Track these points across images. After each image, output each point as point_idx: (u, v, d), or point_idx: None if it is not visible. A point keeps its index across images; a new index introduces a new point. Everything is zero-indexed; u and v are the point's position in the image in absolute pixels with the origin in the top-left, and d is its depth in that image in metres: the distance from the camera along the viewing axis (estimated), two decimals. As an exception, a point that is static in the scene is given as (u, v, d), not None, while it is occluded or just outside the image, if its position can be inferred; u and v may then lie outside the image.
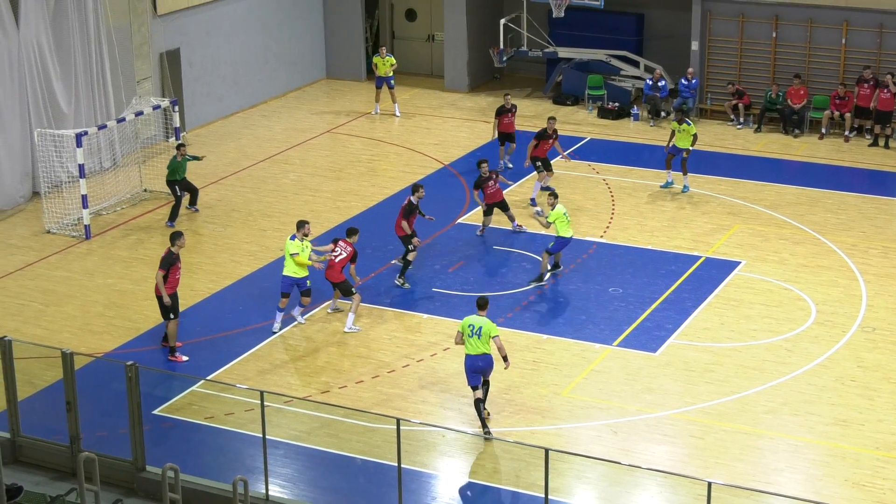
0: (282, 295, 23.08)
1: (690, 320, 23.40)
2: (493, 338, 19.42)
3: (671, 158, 29.60)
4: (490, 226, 27.16)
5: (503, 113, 30.95)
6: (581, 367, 21.77)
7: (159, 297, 21.81)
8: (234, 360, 22.10)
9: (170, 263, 21.79)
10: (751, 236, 26.99)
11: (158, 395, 20.55)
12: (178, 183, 27.88)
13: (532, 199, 28.92)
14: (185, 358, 22.02)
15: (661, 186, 29.84)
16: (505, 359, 19.47)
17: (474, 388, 19.56)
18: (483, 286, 24.79)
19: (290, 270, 22.92)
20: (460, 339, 19.74)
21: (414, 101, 37.26)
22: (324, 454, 19.29)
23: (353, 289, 23.18)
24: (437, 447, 19.67)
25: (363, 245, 24.84)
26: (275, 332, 23.03)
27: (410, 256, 24.79)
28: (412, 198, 24.88)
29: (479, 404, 19.53)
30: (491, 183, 26.54)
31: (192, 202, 28.64)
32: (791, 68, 34.26)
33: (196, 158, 28.57)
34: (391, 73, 35.42)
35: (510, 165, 31.19)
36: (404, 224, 24.59)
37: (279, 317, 23.19)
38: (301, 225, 23.18)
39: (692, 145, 29.33)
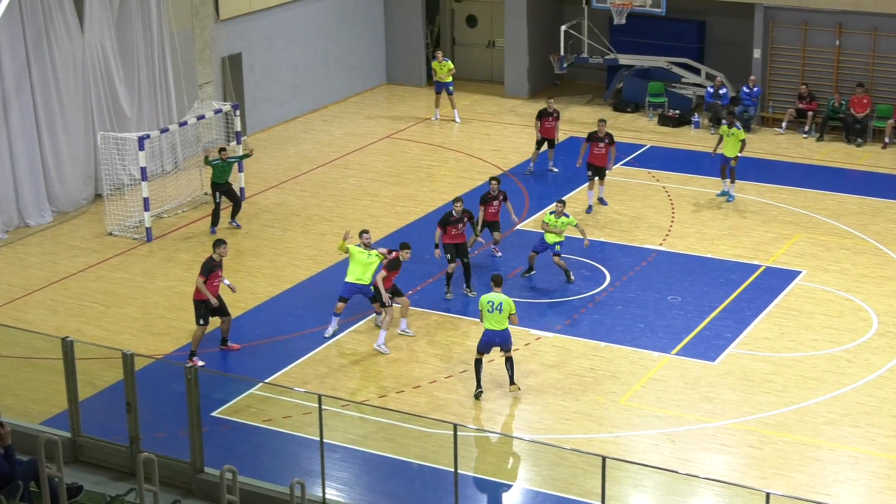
0: (339, 299, 23.15)
1: (750, 330, 23.25)
2: (511, 314, 20.63)
3: (724, 168, 29.42)
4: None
5: (544, 116, 30.92)
6: (639, 375, 21.68)
7: (198, 301, 21.94)
8: (293, 364, 22.19)
9: (209, 270, 21.94)
10: (812, 246, 26.78)
11: (217, 397, 20.66)
12: (220, 187, 27.92)
13: (589, 207, 28.81)
14: (201, 363, 21.97)
15: (718, 195, 29.67)
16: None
17: (481, 353, 20.94)
18: (542, 293, 24.78)
19: (354, 277, 22.95)
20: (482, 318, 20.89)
21: (473, 107, 37.28)
22: (380, 458, 19.32)
23: (386, 302, 22.86)
24: (493, 453, 19.66)
25: (420, 250, 24.92)
26: (327, 337, 23.09)
27: (450, 269, 24.66)
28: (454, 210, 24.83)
29: (478, 365, 20.91)
30: (496, 203, 25.83)
31: (233, 215, 28.43)
32: (854, 77, 33.98)
33: (244, 157, 28.60)
34: (450, 79, 35.45)
35: (555, 169, 31.22)
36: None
37: (334, 321, 23.24)
38: (361, 234, 23.24)
39: (740, 152, 29.13)
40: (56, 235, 28.13)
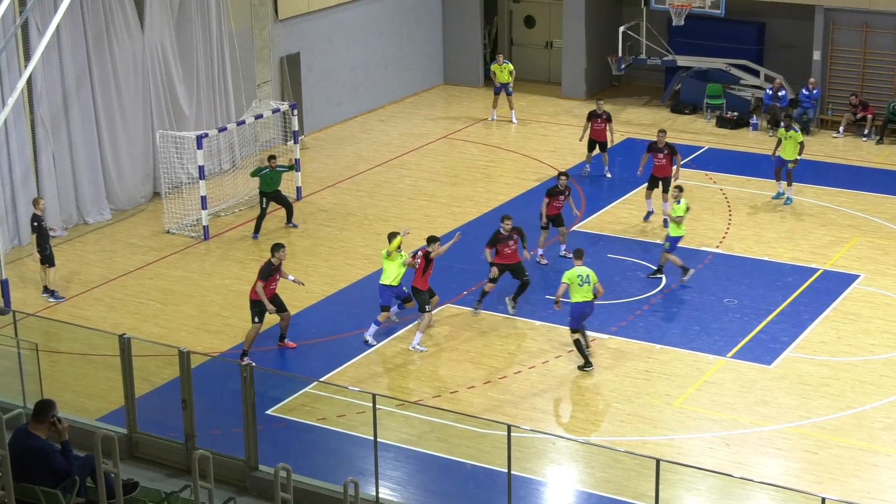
0: (382, 308, 23.13)
1: (807, 333, 23.09)
2: (596, 284, 21.63)
3: (780, 170, 29.23)
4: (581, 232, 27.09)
5: (593, 118, 30.79)
6: (694, 377, 21.59)
7: (254, 301, 22.06)
8: (348, 363, 22.27)
9: (268, 274, 22.01)
10: (870, 249, 26.55)
11: (272, 395, 20.75)
12: (269, 195, 27.98)
13: (648, 214, 28.60)
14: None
15: (774, 197, 29.49)
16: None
17: (574, 331, 21.70)
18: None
19: (391, 279, 22.90)
20: (563, 291, 21.78)
21: (531, 107, 37.25)
22: (434, 458, 19.34)
23: (426, 306, 22.88)
24: (546, 454, 19.64)
25: (471, 256, 24.95)
26: (368, 343, 23.01)
27: (487, 287, 24.22)
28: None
29: (578, 344, 21.76)
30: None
31: (289, 218, 28.52)
32: (915, 79, 33.70)
33: (289, 168, 28.56)
34: (509, 80, 35.45)
35: (608, 175, 31.08)
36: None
37: (372, 329, 23.14)
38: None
39: (799, 154, 28.93)
40: (114, 233, 28.37)
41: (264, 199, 27.90)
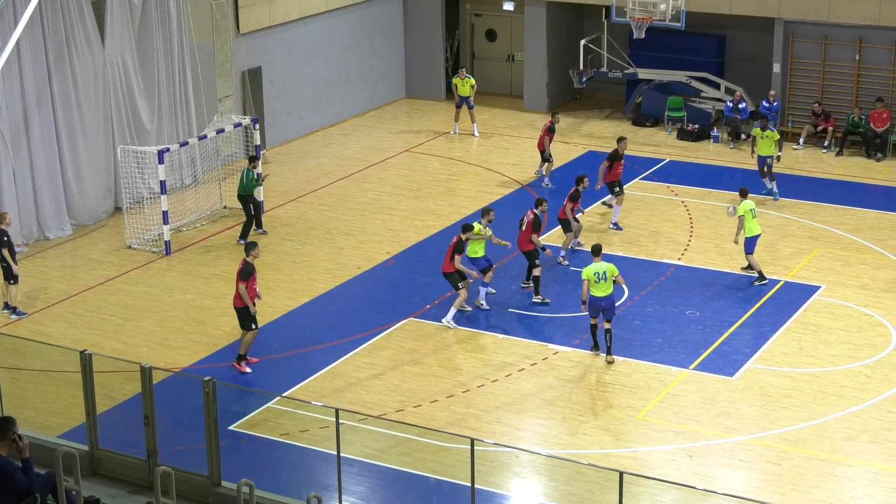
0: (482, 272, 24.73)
1: (768, 345, 23.21)
2: (616, 277, 22.44)
3: (763, 168, 30.11)
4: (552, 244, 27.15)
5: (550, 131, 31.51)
6: (657, 390, 21.66)
7: (240, 309, 22.05)
8: (310, 378, 22.23)
9: (248, 274, 22.06)
10: (831, 260, 26.73)
11: (235, 410, 20.71)
12: (251, 199, 28.07)
13: (614, 223, 28.80)
14: (248, 370, 22.23)
15: (763, 193, 30.13)
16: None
17: (593, 317, 22.62)
18: (560, 307, 24.77)
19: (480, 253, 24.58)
20: (586, 289, 22.41)
21: (493, 120, 37.34)
22: (397, 473, 19.32)
23: (458, 284, 23.90)
24: (510, 468, 19.65)
25: (432, 267, 24.98)
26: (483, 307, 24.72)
27: (536, 272, 25.01)
28: (536, 211, 25.29)
29: (594, 329, 22.68)
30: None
31: (258, 224, 28.64)
32: (874, 91, 33.95)
33: (258, 179, 28.53)
34: (471, 94, 35.54)
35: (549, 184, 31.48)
36: (534, 237, 25.07)
37: (483, 292, 24.78)
38: (486, 212, 24.94)
39: (780, 151, 29.98)
40: (75, 248, 28.25)
41: (251, 205, 28.07)
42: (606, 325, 22.40)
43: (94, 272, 26.87)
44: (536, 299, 25.02)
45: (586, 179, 26.99)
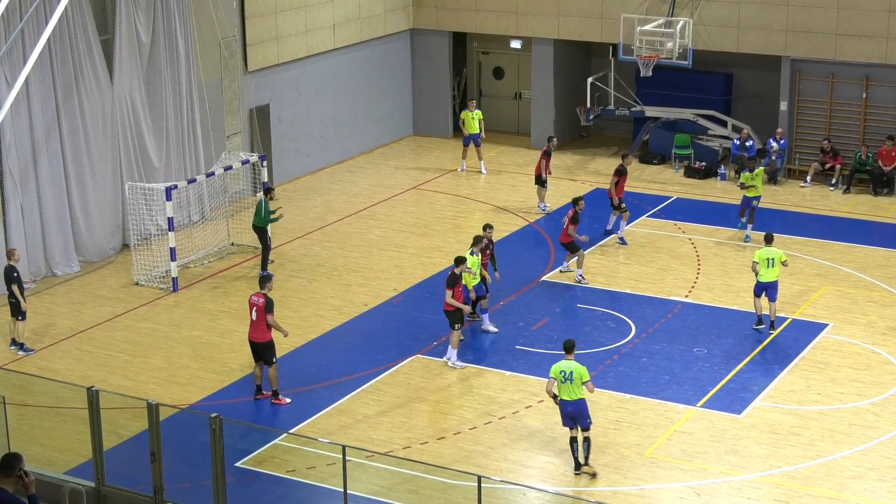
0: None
1: (776, 382, 23.18)
2: (584, 383, 19.76)
3: (745, 210, 30.57)
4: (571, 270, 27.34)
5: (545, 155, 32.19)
6: (664, 427, 21.62)
7: (266, 343, 22.36)
8: (317, 414, 22.22)
9: (272, 305, 22.39)
10: (839, 298, 26.71)
11: (241, 447, 20.69)
12: (260, 230, 28.18)
13: (621, 239, 29.76)
14: (287, 400, 22.39)
15: (746, 240, 30.32)
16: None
17: (569, 428, 20.13)
18: (566, 344, 24.76)
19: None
20: (551, 387, 19.99)
21: (500, 158, 37.42)
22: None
23: (455, 324, 23.99)
24: (517, 505, 19.63)
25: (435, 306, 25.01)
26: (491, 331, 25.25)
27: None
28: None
29: (573, 443, 20.11)
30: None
31: (263, 266, 28.55)
32: (882, 129, 34.01)
33: (274, 214, 28.51)
34: (479, 130, 35.64)
35: (547, 207, 32.29)
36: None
37: (486, 318, 25.31)
38: (478, 240, 25.20)
39: (760, 192, 30.52)
40: (83, 285, 28.30)
41: (267, 235, 28.30)
42: (584, 434, 20.01)
43: (101, 308, 26.90)
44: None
45: (582, 202, 27.56)
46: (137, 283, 28.13)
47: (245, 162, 30.44)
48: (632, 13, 35.25)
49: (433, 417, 22.07)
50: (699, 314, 26.22)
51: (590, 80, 36.98)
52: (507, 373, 23.74)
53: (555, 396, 19.98)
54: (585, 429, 19.95)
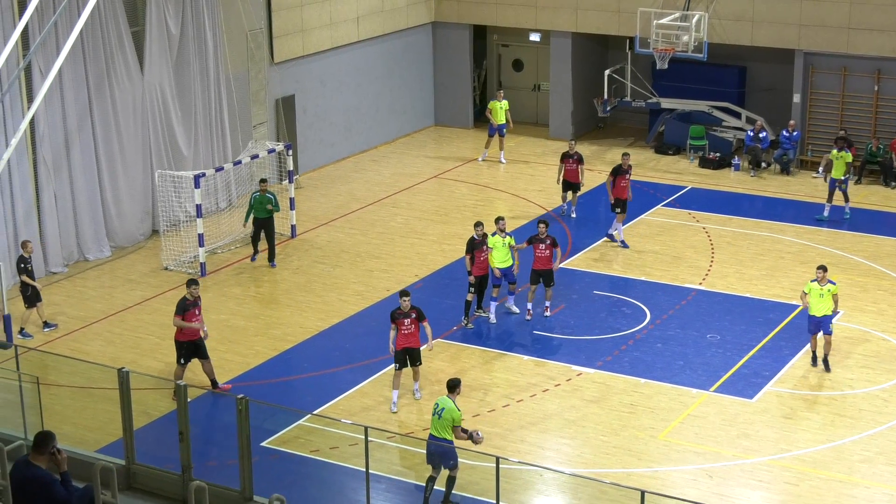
0: (493, 286, 25.13)
1: (787, 368, 23.14)
2: (454, 426, 18.05)
3: (833, 191, 30.66)
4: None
5: (565, 158, 31.01)
6: (678, 411, 21.62)
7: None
8: (340, 396, 22.26)
9: (184, 309, 21.80)
10: (849, 286, 26.62)
11: (267, 427, 20.74)
12: (258, 221, 28.00)
13: (612, 236, 29.36)
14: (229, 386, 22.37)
15: (817, 217, 30.67)
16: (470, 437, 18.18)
17: (429, 464, 18.52)
18: (583, 329, 24.78)
19: (499, 262, 24.74)
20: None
21: (519, 148, 37.39)
22: (423, 489, 19.30)
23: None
24: (534, 486, 19.64)
25: (463, 290, 25.00)
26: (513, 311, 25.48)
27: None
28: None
29: (429, 482, 18.37)
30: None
31: (270, 257, 28.46)
32: (893, 122, 33.87)
33: (273, 201, 28.17)
34: (505, 121, 35.58)
35: (573, 215, 31.25)
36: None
37: (493, 307, 25.19)
38: (497, 220, 25.21)
39: (847, 173, 30.50)
40: (114, 269, 28.39)
41: (255, 224, 28.08)
42: (450, 473, 18.33)
43: (131, 293, 26.99)
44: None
45: (542, 226, 25.44)
46: (166, 268, 28.20)
47: (271, 151, 30.49)
48: (648, 7, 35.15)
49: (453, 400, 22.05)
50: (712, 301, 26.19)
51: (607, 72, 36.91)
52: (526, 357, 23.76)
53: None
54: (448, 467, 18.30)
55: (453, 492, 18.40)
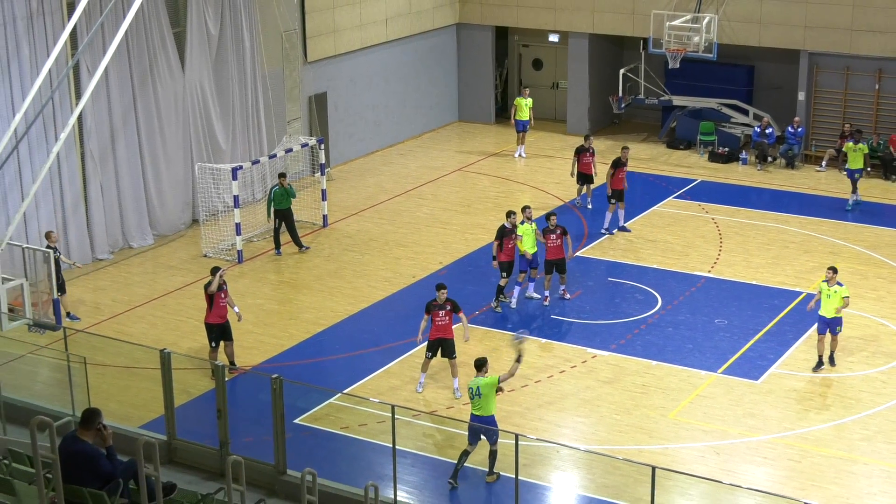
0: (520, 271, 25.15)
1: (791, 351, 23.09)
2: (494, 391, 18.27)
3: (854, 182, 30.81)
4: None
5: (581, 152, 30.90)
6: (687, 391, 21.60)
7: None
8: (368, 377, 22.31)
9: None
10: (850, 274, 26.51)
11: (300, 405, 20.79)
12: (279, 212, 27.96)
13: (611, 231, 29.21)
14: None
15: (848, 208, 30.70)
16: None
17: (470, 444, 18.63)
18: (598, 314, 24.77)
19: (528, 246, 24.84)
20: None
21: (538, 143, 37.35)
22: (447, 464, 19.31)
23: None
24: (551, 461, 19.66)
25: (487, 275, 24.99)
26: (532, 298, 25.48)
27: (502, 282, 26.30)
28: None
29: (462, 457, 18.51)
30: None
31: (298, 245, 28.47)
32: (893, 118, 33.70)
33: (288, 192, 28.06)
34: (528, 117, 35.52)
35: (590, 206, 31.13)
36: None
37: (531, 287, 25.39)
38: (525, 209, 25.22)
39: (866, 165, 30.61)
40: (156, 256, 28.50)
41: (277, 219, 28.08)
42: (492, 447, 18.49)
43: (173, 278, 27.09)
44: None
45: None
46: (206, 255, 28.29)
47: (304, 145, 30.55)
48: (661, 9, 35.07)
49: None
50: (721, 288, 26.14)
51: (622, 71, 36.82)
52: (543, 340, 23.76)
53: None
54: (491, 441, 18.50)
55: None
